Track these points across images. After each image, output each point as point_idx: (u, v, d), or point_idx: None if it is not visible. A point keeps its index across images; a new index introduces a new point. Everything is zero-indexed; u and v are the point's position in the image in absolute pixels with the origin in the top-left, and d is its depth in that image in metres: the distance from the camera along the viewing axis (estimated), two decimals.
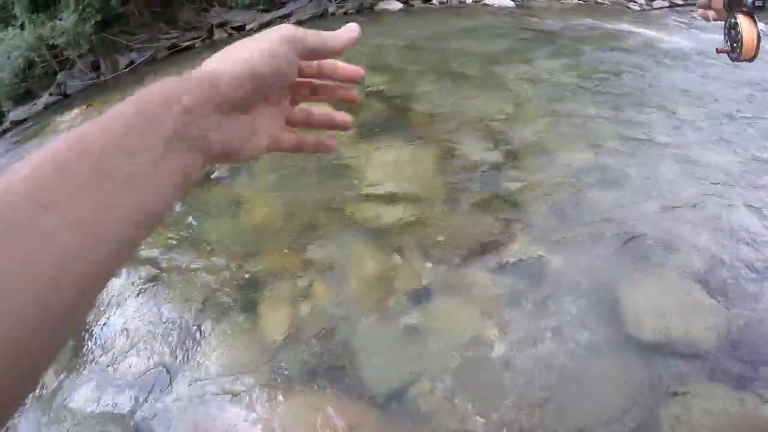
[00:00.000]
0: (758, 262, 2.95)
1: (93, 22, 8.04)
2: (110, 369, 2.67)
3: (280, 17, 9.76)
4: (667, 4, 12.42)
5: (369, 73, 5.71)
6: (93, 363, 2.72)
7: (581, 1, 9.90)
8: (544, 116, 4.56)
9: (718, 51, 1.30)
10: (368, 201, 3.53)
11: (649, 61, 6.41)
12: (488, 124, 4.37)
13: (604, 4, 9.55)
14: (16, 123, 8.07)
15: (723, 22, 1.29)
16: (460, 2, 10.58)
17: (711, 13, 1.33)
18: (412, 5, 10.28)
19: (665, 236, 3.13)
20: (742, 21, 1.18)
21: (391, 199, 3.51)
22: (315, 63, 0.63)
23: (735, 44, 1.23)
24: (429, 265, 2.94)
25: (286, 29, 0.57)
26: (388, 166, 3.90)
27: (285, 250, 3.21)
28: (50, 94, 8.53)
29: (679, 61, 6.61)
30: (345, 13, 9.97)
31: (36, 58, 8.29)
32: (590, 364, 2.38)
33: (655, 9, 10.49)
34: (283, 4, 10.13)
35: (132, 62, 8.99)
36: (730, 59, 1.28)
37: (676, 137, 4.28)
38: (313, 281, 2.93)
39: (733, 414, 2.16)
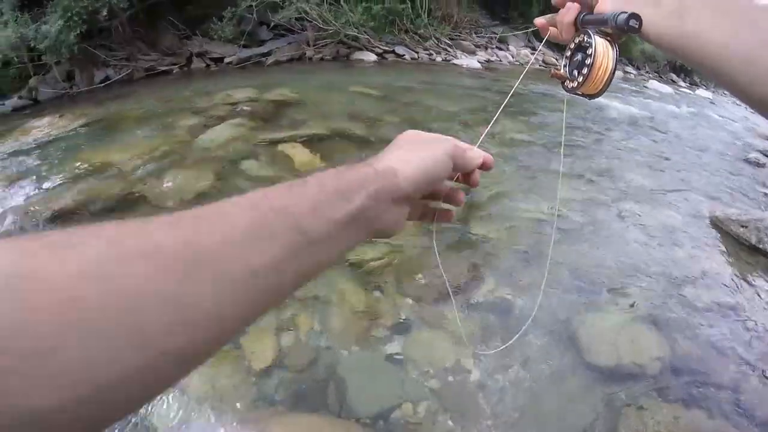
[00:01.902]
0: (696, 303, 3.40)
1: (78, 31, 8.09)
2: None
3: (258, 55, 10.08)
4: (620, 73, 13.50)
5: (346, 120, 6.14)
6: None
7: (542, 67, 10.62)
8: (508, 173, 4.99)
9: (552, 75, 1.00)
10: None
11: (602, 126, 7.04)
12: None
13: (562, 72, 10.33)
14: None
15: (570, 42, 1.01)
16: (430, 60, 11.19)
17: (553, 30, 1.02)
18: (386, 58, 10.81)
19: (616, 281, 3.54)
20: (599, 44, 0.89)
21: (370, 240, 3.74)
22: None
23: (578, 71, 0.93)
24: (408, 301, 3.18)
25: (449, 145, 0.70)
26: None
27: None
28: (20, 97, 8.51)
29: (629, 126, 7.32)
30: (321, 59, 10.38)
31: (14, 58, 8.26)
32: (555, 386, 2.68)
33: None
34: (263, 43, 10.46)
35: (107, 78, 9.08)
36: (565, 89, 0.99)
37: (624, 195, 4.81)
38: (295, 314, 3.05)
39: (682, 424, 2.52)
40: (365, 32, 10.74)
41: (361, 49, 10.76)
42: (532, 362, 2.78)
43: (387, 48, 10.98)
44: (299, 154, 5.10)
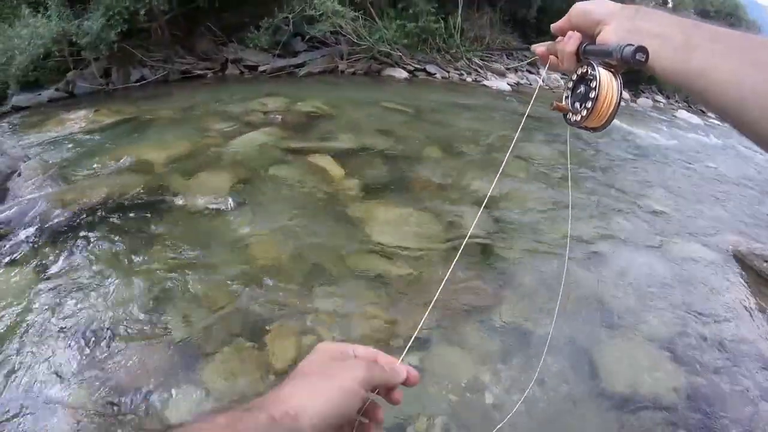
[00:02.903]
0: (714, 337, 3.41)
1: (118, 30, 8.33)
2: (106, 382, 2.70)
3: (292, 65, 10.25)
4: (650, 102, 13.49)
5: (376, 135, 6.21)
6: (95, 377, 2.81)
7: None
8: (532, 197, 5.03)
9: (553, 107, 0.96)
10: (373, 253, 3.83)
11: (629, 153, 7.05)
12: (482, 199, 4.76)
13: None
14: (18, 108, 8.20)
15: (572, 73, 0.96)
16: (461, 80, 11.26)
17: (553, 59, 0.98)
18: (417, 76, 10.91)
19: (636, 310, 3.56)
20: (603, 76, 0.86)
21: (394, 254, 3.80)
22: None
23: (582, 104, 0.90)
24: (431, 315, 3.18)
25: (360, 372, 0.64)
26: (392, 224, 4.24)
27: (292, 288, 3.41)
28: (56, 89, 8.72)
29: (656, 155, 7.31)
30: (353, 73, 10.51)
31: (55, 51, 8.47)
32: (570, 410, 2.70)
33: (638, 105, 11.38)
34: (297, 54, 10.62)
35: (143, 78, 9.28)
36: (568, 122, 0.95)
37: (648, 225, 4.82)
38: (318, 319, 3.13)
39: None
40: (398, 49, 10.86)
41: (392, 66, 10.88)
42: (550, 384, 2.80)
43: (418, 66, 11.09)
44: (329, 165, 5.18)
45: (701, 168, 7.14)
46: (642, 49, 0.76)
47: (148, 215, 4.19)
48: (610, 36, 0.84)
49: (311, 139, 5.90)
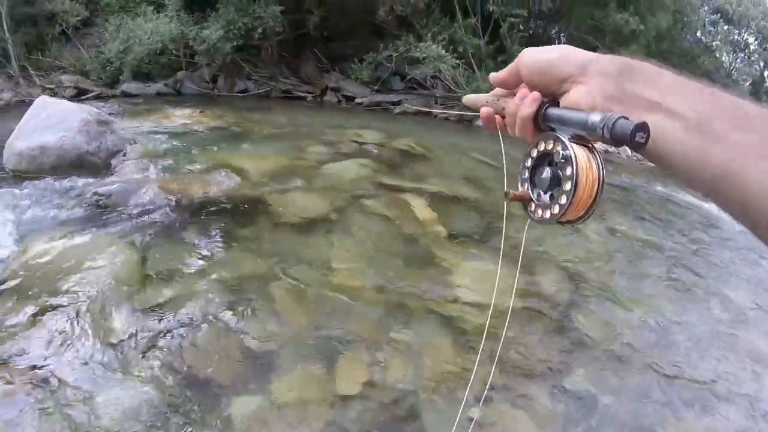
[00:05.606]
0: None
1: (234, 43, 8.85)
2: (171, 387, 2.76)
3: (388, 102, 10.51)
4: None
5: (465, 184, 6.23)
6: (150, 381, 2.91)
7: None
8: (611, 268, 4.91)
9: (509, 197, 0.70)
10: (454, 301, 3.82)
11: (709, 237, 6.74)
12: (563, 263, 4.70)
13: None
14: (126, 94, 8.83)
15: (529, 146, 0.69)
16: None
17: (500, 121, 0.73)
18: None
19: (706, 398, 3.37)
20: (581, 158, 0.61)
21: (475, 305, 3.78)
22: None
23: (552, 195, 0.65)
24: (498, 371, 3.16)
25: None
26: (474, 274, 4.23)
27: (369, 319, 3.44)
28: (165, 85, 9.30)
29: (735, 232, 6.95)
30: (446, 119, 10.64)
31: (172, 50, 9.09)
32: None
33: None
34: (394, 92, 10.89)
35: (246, 89, 9.72)
36: (531, 216, 0.69)
37: (725, 313, 4.57)
38: (389, 355, 3.13)
39: None
40: None
41: None
42: None
43: None
44: (419, 206, 5.22)
45: None
46: (643, 128, 0.54)
47: (239, 220, 4.34)
48: (584, 99, 0.61)
49: (404, 178, 5.99)
